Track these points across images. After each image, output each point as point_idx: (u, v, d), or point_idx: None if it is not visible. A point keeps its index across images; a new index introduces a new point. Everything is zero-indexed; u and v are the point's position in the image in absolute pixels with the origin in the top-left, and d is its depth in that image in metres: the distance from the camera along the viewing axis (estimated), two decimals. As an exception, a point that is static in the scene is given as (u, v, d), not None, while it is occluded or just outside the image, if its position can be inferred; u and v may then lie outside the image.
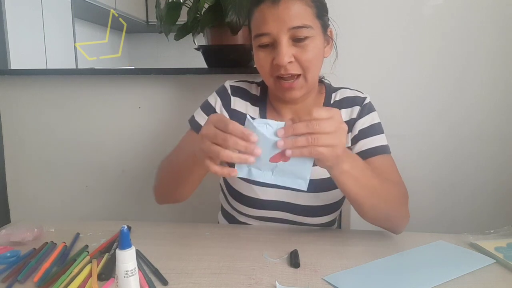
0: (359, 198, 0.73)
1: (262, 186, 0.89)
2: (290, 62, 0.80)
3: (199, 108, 0.97)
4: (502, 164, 1.37)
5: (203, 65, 1.40)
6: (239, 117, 0.92)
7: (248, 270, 0.68)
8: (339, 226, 1.12)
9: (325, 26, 0.85)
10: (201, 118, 0.94)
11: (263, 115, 0.94)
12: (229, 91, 0.96)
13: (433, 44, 1.33)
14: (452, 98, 1.35)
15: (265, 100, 0.96)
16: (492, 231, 0.83)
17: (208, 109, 0.95)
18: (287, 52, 0.79)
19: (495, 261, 0.72)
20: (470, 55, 1.33)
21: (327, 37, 0.87)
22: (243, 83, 0.98)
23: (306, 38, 0.80)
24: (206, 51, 1.36)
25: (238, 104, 0.95)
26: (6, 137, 1.52)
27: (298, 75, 0.82)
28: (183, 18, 1.32)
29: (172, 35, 1.33)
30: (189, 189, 0.86)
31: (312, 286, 0.64)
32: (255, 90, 0.98)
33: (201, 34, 1.36)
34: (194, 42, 1.39)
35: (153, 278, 0.66)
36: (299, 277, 0.66)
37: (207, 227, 0.89)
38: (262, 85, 0.97)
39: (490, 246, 0.76)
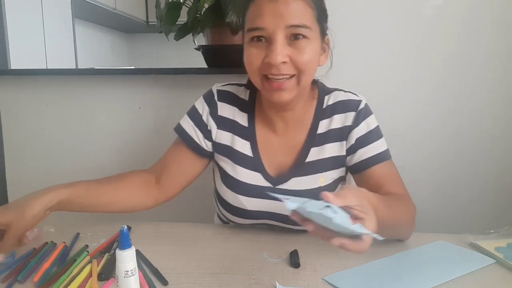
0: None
1: (248, 196, 0.86)
2: (284, 62, 0.74)
3: (186, 115, 0.92)
4: (502, 164, 1.37)
5: (203, 65, 1.40)
6: (227, 124, 0.89)
7: (248, 270, 0.68)
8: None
9: (323, 32, 0.81)
10: (187, 125, 0.91)
11: (251, 121, 0.89)
12: (216, 97, 0.90)
13: (433, 44, 1.33)
14: (452, 99, 1.35)
15: (253, 105, 0.90)
16: (492, 231, 0.83)
17: (195, 116, 0.91)
18: (281, 51, 0.73)
19: (495, 261, 0.72)
20: (470, 55, 1.33)
21: (324, 45, 0.82)
22: (232, 87, 0.93)
23: (304, 38, 0.74)
24: (206, 51, 1.36)
25: (225, 110, 0.90)
26: (6, 137, 1.52)
27: (292, 75, 0.76)
28: (183, 18, 1.32)
29: (172, 35, 1.33)
30: None
31: (312, 286, 0.64)
32: (243, 94, 0.92)
33: (201, 34, 1.36)
34: (194, 42, 1.39)
35: (153, 278, 0.66)
36: (299, 277, 0.66)
37: (207, 227, 0.89)
38: (251, 88, 0.91)
39: (490, 246, 0.76)
